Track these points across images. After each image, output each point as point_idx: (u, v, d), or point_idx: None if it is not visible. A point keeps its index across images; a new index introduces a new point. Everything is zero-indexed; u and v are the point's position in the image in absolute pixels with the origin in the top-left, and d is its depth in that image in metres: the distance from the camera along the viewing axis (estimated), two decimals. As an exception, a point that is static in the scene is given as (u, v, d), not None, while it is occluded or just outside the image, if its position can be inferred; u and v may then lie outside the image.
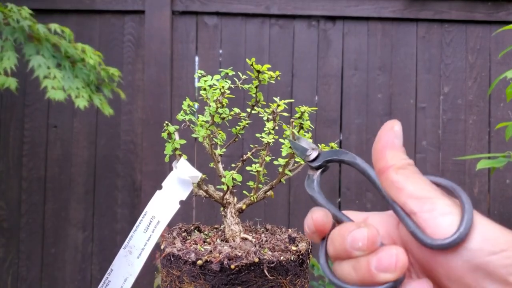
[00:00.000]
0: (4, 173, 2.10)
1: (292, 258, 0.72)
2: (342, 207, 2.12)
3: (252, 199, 0.83)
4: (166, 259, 0.76)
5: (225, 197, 0.83)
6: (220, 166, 0.82)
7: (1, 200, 2.11)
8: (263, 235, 0.83)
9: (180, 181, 0.77)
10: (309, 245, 0.79)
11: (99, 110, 2.12)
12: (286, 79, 2.13)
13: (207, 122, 0.78)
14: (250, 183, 0.83)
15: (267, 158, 0.80)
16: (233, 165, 0.85)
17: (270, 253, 0.73)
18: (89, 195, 2.12)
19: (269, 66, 0.82)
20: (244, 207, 0.83)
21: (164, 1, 2.10)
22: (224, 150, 0.84)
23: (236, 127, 0.84)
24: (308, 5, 2.13)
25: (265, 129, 0.80)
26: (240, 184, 0.80)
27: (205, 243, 0.79)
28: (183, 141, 0.76)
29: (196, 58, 2.16)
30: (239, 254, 0.71)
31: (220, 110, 0.77)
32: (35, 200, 2.11)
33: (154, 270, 1.94)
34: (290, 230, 0.88)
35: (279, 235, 0.83)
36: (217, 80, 0.79)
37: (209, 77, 0.79)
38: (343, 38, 2.16)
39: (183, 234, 0.86)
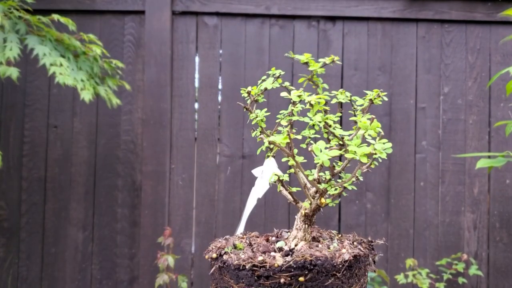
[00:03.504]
0: (4, 173, 2.11)
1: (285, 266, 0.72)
2: (342, 207, 2.12)
3: (324, 201, 0.82)
4: None
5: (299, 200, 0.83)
6: (300, 173, 0.81)
7: (1, 200, 2.11)
8: (320, 244, 0.82)
9: (262, 180, 0.82)
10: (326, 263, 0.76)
11: (99, 110, 2.13)
12: (286, 79, 2.13)
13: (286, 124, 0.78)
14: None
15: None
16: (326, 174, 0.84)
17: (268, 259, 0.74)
18: (89, 195, 2.12)
19: (309, 55, 0.82)
20: (309, 211, 0.83)
21: (164, 1, 2.10)
22: (301, 158, 0.83)
23: (310, 130, 0.83)
24: (308, 5, 2.13)
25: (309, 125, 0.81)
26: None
27: (271, 245, 0.80)
28: (285, 139, 0.77)
29: (196, 59, 2.16)
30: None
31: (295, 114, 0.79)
32: (35, 200, 2.11)
33: (154, 271, 1.94)
34: (364, 240, 0.86)
35: (329, 245, 0.82)
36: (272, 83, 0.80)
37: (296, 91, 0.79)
38: (343, 38, 2.16)
39: (279, 234, 0.89)
